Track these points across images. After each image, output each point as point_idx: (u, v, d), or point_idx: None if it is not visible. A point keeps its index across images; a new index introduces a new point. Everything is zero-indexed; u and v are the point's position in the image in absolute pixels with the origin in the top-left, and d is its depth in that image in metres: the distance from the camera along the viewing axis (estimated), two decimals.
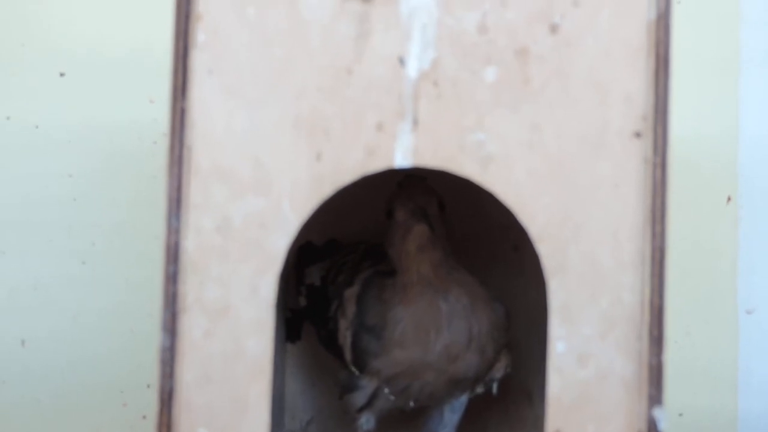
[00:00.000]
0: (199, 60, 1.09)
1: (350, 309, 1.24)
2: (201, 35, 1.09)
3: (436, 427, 1.26)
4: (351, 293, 1.26)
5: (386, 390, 1.21)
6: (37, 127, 1.47)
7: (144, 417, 1.12)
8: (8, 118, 1.48)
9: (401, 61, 1.09)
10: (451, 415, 1.26)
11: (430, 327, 1.17)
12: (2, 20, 1.49)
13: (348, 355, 1.24)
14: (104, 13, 1.48)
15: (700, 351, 1.41)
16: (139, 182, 1.41)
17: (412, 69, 1.09)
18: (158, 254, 1.08)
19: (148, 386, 1.06)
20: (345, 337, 1.24)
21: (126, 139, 1.45)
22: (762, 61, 1.44)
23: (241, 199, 1.09)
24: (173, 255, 1.08)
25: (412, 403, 1.22)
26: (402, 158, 1.08)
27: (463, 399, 1.25)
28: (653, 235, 1.07)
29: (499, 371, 1.22)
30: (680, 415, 1.32)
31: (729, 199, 1.43)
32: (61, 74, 1.48)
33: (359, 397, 1.23)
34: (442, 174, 1.08)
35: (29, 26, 1.49)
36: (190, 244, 1.09)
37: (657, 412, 1.06)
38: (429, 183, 1.17)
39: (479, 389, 1.23)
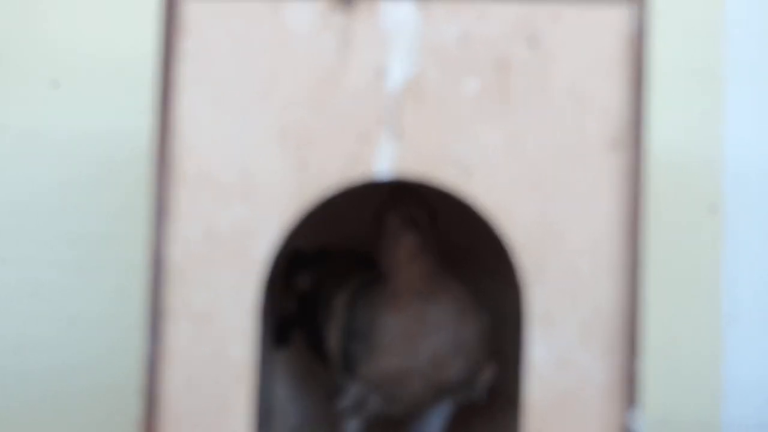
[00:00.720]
0: (184, 70, 1.10)
1: (339, 315, 1.25)
2: (187, 47, 1.11)
3: None
4: (340, 300, 1.26)
5: (374, 396, 1.21)
6: (31, 134, 1.48)
7: (131, 422, 1.13)
8: (4, 126, 1.48)
9: (383, 73, 1.10)
10: (436, 421, 1.27)
11: (417, 334, 1.18)
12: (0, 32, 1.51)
13: (337, 361, 1.24)
14: (95, 23, 1.48)
15: (684, 358, 1.41)
16: (129, 190, 1.42)
17: (394, 80, 1.09)
18: (144, 262, 1.08)
19: (138, 392, 1.06)
20: (334, 344, 1.25)
21: (117, 148, 1.46)
22: (747, 73, 1.45)
23: (226, 208, 1.10)
24: (158, 262, 1.09)
25: (398, 409, 1.23)
26: (383, 168, 1.09)
27: (448, 406, 1.26)
28: (631, 243, 1.08)
29: (485, 378, 1.23)
30: (662, 421, 1.33)
31: (713, 208, 1.44)
32: (54, 83, 1.49)
33: (347, 403, 1.23)
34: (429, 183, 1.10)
35: (23, 37, 1.49)
36: (175, 252, 1.10)
37: (633, 416, 1.07)
38: (418, 192, 1.17)
39: (465, 396, 1.23)
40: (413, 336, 1.18)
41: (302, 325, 1.35)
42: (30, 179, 1.48)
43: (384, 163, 1.09)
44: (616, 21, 1.09)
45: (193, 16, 1.11)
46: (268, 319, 1.26)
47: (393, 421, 1.27)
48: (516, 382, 1.19)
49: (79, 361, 1.45)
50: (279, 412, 1.39)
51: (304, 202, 1.10)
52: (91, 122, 1.48)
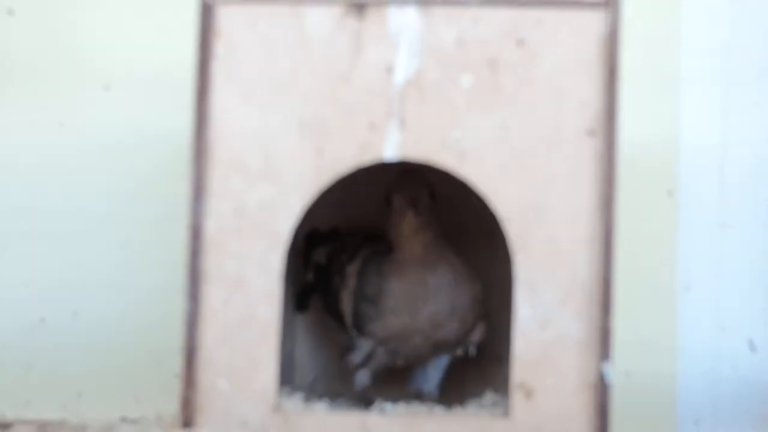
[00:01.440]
0: (218, 69, 1.08)
1: (352, 281, 1.24)
2: (220, 49, 1.08)
3: (421, 384, 1.25)
4: (353, 268, 1.25)
5: (380, 350, 1.20)
6: (85, 130, 1.46)
7: (174, 374, 1.11)
8: (61, 124, 1.46)
9: (390, 70, 1.08)
10: (434, 373, 1.25)
11: (418, 297, 1.16)
12: (55, 42, 1.47)
13: (349, 320, 1.23)
14: (140, 32, 1.46)
15: (645, 321, 1.40)
16: (171, 174, 1.40)
17: (399, 77, 1.07)
18: (184, 234, 1.07)
19: (178, 348, 1.05)
20: (347, 305, 1.23)
21: (160, 139, 1.44)
22: (700, 75, 1.43)
23: (253, 188, 1.08)
24: (196, 234, 1.07)
25: (402, 362, 1.22)
26: (390, 153, 1.07)
27: (444, 359, 1.24)
28: (604, 219, 1.06)
29: (475, 337, 1.21)
30: (627, 373, 1.31)
31: (670, 192, 1.43)
32: (106, 86, 1.47)
33: (357, 356, 1.22)
34: (433, 168, 1.07)
35: (78, 45, 1.47)
36: (210, 225, 1.08)
37: (606, 368, 1.05)
38: (423, 175, 1.16)
39: (459, 352, 1.22)
40: (415, 299, 1.17)
41: (319, 292, 1.33)
42: (85, 168, 1.47)
43: (391, 148, 1.07)
44: (591, 24, 1.07)
45: (224, 22, 1.09)
46: (290, 286, 1.26)
47: (397, 372, 1.25)
48: (500, 339, 1.18)
49: (129, 323, 1.44)
50: (299, 365, 1.37)
51: (322, 182, 1.08)
52: (138, 118, 1.47)
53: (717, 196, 1.44)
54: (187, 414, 1.07)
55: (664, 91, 1.45)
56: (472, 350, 1.22)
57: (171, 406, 1.14)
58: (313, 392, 1.29)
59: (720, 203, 1.44)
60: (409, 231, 1.17)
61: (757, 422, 1.39)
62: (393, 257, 1.19)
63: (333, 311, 1.28)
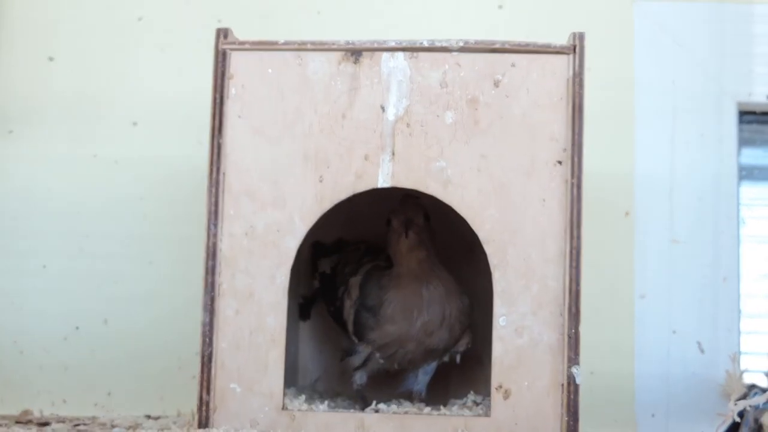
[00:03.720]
0: (231, 108, 1.07)
1: (354, 292, 1.21)
2: (233, 89, 1.07)
3: (412, 385, 1.23)
4: (355, 280, 1.23)
5: (377, 355, 1.18)
6: (116, 162, 1.44)
7: (193, 377, 1.09)
8: (95, 156, 1.45)
9: (382, 108, 1.06)
10: (424, 376, 1.22)
11: (414, 308, 1.15)
12: (90, 84, 1.46)
13: (350, 328, 1.21)
14: (164, 75, 1.45)
15: (606, 326, 1.39)
16: (190, 200, 1.39)
17: (391, 114, 1.06)
18: (201, 251, 1.06)
19: (196, 353, 1.03)
20: (349, 314, 1.21)
21: (181, 169, 1.43)
22: (651, 110, 1.43)
23: (262, 212, 1.06)
24: (212, 253, 1.06)
25: (396, 366, 1.20)
26: (383, 181, 1.06)
27: (433, 364, 1.22)
28: (571, 238, 1.04)
29: (462, 346, 1.19)
30: (591, 373, 1.29)
31: (627, 213, 1.42)
32: (134, 123, 1.46)
33: (356, 360, 1.20)
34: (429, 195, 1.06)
35: (109, 86, 1.46)
36: (224, 245, 1.06)
37: (574, 370, 1.03)
38: (419, 200, 1.14)
39: (446, 358, 1.20)
40: (411, 310, 1.15)
41: (323, 299, 1.30)
42: (114, 194, 1.45)
43: (384, 177, 1.06)
44: (559, 68, 1.05)
45: (237, 66, 1.07)
46: (295, 297, 1.23)
47: (390, 375, 1.22)
48: (481, 345, 1.16)
49: (153, 331, 1.42)
50: (302, 367, 1.35)
51: (323, 207, 1.06)
52: (162, 151, 1.45)
53: (668, 216, 1.43)
54: (204, 413, 1.05)
55: (621, 126, 1.44)
56: (458, 358, 1.20)
57: (189, 406, 1.12)
58: (315, 391, 1.28)
59: (671, 222, 1.43)
60: (405, 249, 1.15)
61: (706, 415, 1.38)
62: (392, 272, 1.18)
63: (336, 318, 1.26)
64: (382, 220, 1.17)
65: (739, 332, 1.42)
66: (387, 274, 1.19)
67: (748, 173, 1.48)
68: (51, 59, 1.48)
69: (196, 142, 1.39)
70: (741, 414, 1.22)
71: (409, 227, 1.14)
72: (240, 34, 1.08)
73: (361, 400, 1.17)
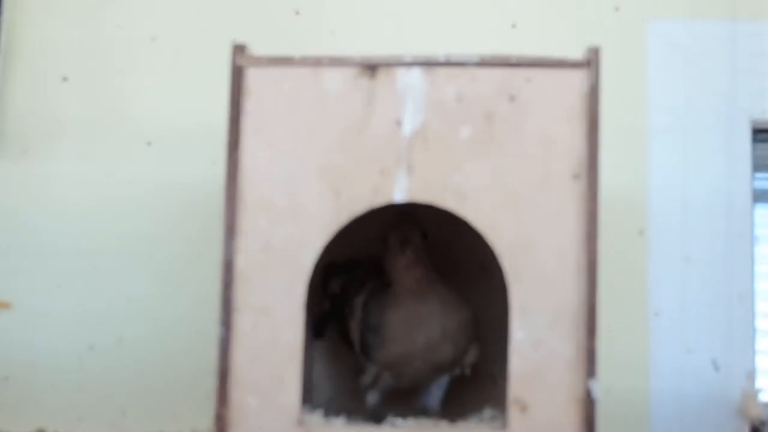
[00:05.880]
0: (247, 123, 1.07)
1: (358, 313, 1.21)
2: (249, 105, 1.07)
3: (426, 400, 1.22)
4: (359, 301, 1.22)
5: (386, 373, 1.18)
6: (130, 181, 1.45)
7: (207, 395, 1.09)
8: (109, 175, 1.46)
9: (398, 123, 1.06)
10: (437, 390, 1.22)
11: (413, 325, 1.14)
12: (103, 104, 1.47)
13: (357, 348, 1.21)
14: (180, 95, 1.47)
15: (621, 343, 1.38)
16: (206, 216, 1.39)
17: (407, 129, 1.06)
18: (217, 270, 1.06)
19: (211, 371, 1.03)
20: (355, 334, 1.21)
21: (198, 186, 1.44)
22: (665, 127, 1.43)
23: (279, 227, 1.06)
24: (229, 269, 1.06)
25: (406, 383, 1.19)
26: (399, 195, 1.06)
27: (445, 379, 1.21)
28: (588, 252, 1.04)
29: (470, 358, 1.18)
30: (607, 391, 1.28)
31: (641, 231, 1.42)
32: (148, 143, 1.46)
33: (366, 378, 1.20)
34: (432, 212, 1.06)
35: (124, 108, 1.47)
36: (241, 260, 1.06)
37: (592, 384, 1.03)
38: (415, 218, 1.14)
39: (456, 371, 1.19)
40: (410, 326, 1.14)
41: (334, 320, 1.30)
42: (129, 213, 1.46)
43: (400, 192, 1.06)
44: (574, 82, 1.06)
45: (253, 82, 1.07)
46: (310, 315, 1.23)
47: (404, 391, 1.22)
48: (494, 361, 1.16)
49: (167, 348, 1.43)
50: (317, 386, 1.34)
51: (340, 221, 1.06)
52: (176, 169, 1.46)
53: (681, 234, 1.43)
54: (221, 429, 1.04)
55: (634, 144, 1.44)
56: (467, 370, 1.19)
57: (205, 422, 1.12)
58: (330, 410, 1.27)
59: (684, 240, 1.43)
60: (402, 267, 1.15)
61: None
62: (392, 289, 1.17)
63: (345, 338, 1.26)
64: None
65: (754, 351, 1.41)
66: (387, 292, 1.18)
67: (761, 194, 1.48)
68: (65, 79, 1.49)
69: (211, 158, 1.39)
70: (757, 431, 1.22)
71: (405, 245, 1.14)
72: (254, 52, 1.09)
73: (376, 419, 1.16)
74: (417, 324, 1.14)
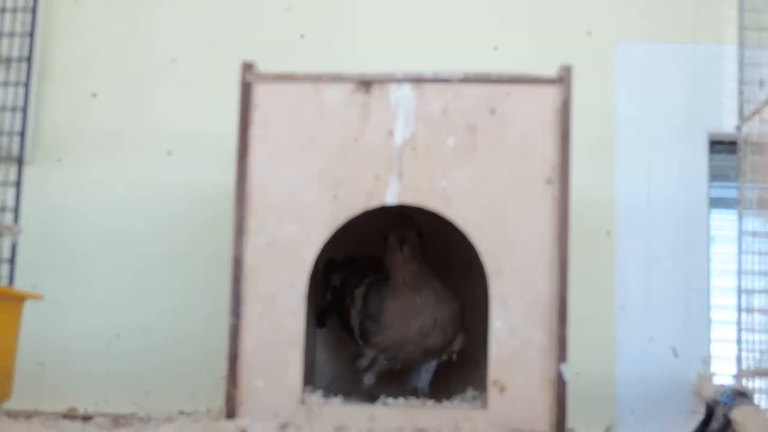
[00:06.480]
0: (255, 134, 1.06)
1: (358, 302, 1.21)
2: (257, 117, 1.07)
3: (415, 382, 1.21)
4: (359, 292, 1.22)
5: (382, 357, 1.18)
6: (153, 186, 1.44)
7: (221, 378, 1.08)
8: (135, 181, 1.45)
9: (390, 133, 1.06)
10: (426, 374, 1.21)
11: (409, 314, 1.14)
12: (129, 117, 1.47)
13: (357, 334, 1.21)
14: (195, 107, 1.46)
15: (590, 333, 1.37)
16: (218, 217, 1.37)
17: (398, 138, 1.05)
18: (228, 266, 1.06)
19: (224, 357, 1.03)
20: (355, 322, 1.21)
21: (211, 190, 1.43)
22: (630, 138, 1.42)
23: (283, 227, 1.06)
24: (238, 263, 1.05)
25: (399, 366, 1.19)
26: (391, 199, 1.05)
27: (433, 363, 1.21)
28: (560, 250, 1.03)
29: (456, 345, 1.18)
30: (577, 374, 1.27)
31: (608, 232, 1.41)
32: (169, 152, 1.46)
33: (364, 361, 1.19)
34: (426, 212, 1.06)
35: (146, 119, 1.46)
36: (249, 256, 1.05)
37: (563, 368, 1.02)
38: (412, 218, 1.14)
39: (444, 357, 1.19)
40: (406, 315, 1.14)
41: (335, 310, 1.30)
42: (153, 215, 1.45)
43: (392, 196, 1.05)
44: (549, 97, 1.05)
45: (260, 96, 1.07)
46: (312, 306, 1.22)
47: (396, 374, 1.21)
48: (477, 347, 1.15)
49: (185, 336, 1.41)
50: (319, 370, 1.34)
51: (337, 222, 1.06)
52: (193, 176, 1.45)
53: (644, 235, 1.42)
54: (231, 407, 1.04)
55: (603, 155, 1.43)
56: (454, 356, 1.19)
57: (218, 402, 1.11)
58: (330, 391, 1.26)
59: (647, 240, 1.42)
60: (400, 262, 1.15)
61: (679, 412, 1.37)
62: (390, 283, 1.17)
63: (345, 326, 1.25)
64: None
65: (709, 339, 1.41)
66: (386, 285, 1.18)
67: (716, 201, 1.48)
68: (94, 95, 1.48)
69: (223, 166, 1.38)
70: (712, 410, 1.21)
71: (403, 242, 1.14)
72: (263, 70, 1.08)
73: (371, 399, 1.16)
74: (412, 313, 1.14)
